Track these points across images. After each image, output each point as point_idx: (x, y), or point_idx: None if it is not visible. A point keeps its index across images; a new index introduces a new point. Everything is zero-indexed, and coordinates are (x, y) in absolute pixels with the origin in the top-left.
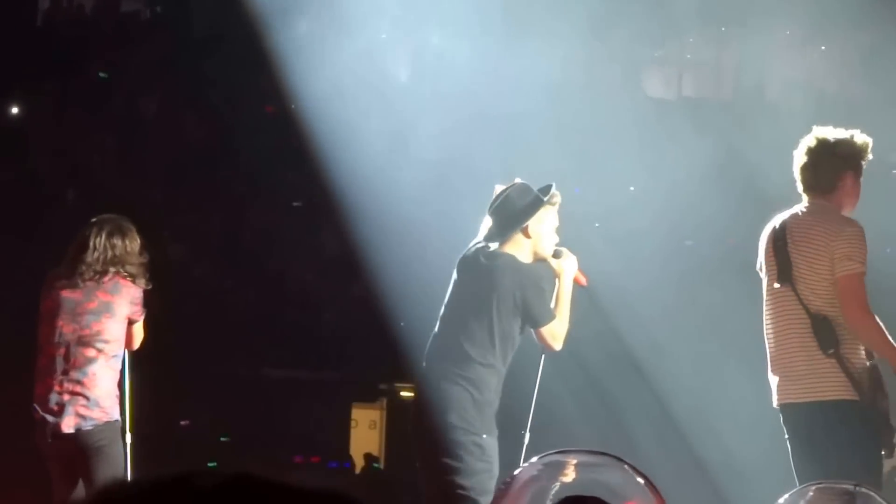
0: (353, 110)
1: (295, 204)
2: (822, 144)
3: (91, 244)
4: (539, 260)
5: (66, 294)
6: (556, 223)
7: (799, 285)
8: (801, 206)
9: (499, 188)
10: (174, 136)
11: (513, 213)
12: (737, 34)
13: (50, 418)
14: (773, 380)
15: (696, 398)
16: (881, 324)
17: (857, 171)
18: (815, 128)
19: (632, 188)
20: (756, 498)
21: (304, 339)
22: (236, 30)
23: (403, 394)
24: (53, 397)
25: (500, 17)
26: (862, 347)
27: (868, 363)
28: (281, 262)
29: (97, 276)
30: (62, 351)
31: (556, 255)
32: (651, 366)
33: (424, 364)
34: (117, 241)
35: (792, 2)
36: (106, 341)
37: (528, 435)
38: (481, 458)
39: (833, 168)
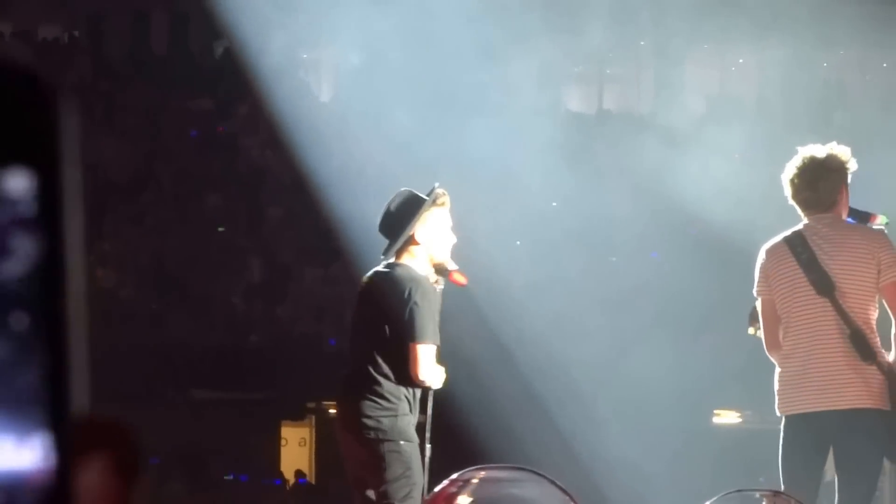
0: (277, 131)
1: (220, 229)
2: (815, 163)
3: None
4: (438, 265)
5: None
6: (450, 223)
7: (841, 299)
8: (808, 222)
9: None
10: (96, 162)
11: (395, 222)
12: (655, 48)
13: None
14: (798, 389)
15: (617, 408)
16: None
17: (847, 181)
18: (799, 148)
19: (554, 203)
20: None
21: (232, 361)
22: (158, 53)
23: (332, 411)
24: None
25: (420, 34)
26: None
27: None
28: (207, 285)
29: None
30: None
31: (441, 271)
32: (570, 379)
33: (342, 377)
34: None
35: (708, 16)
36: None
37: (428, 447)
38: (399, 464)
39: (833, 182)
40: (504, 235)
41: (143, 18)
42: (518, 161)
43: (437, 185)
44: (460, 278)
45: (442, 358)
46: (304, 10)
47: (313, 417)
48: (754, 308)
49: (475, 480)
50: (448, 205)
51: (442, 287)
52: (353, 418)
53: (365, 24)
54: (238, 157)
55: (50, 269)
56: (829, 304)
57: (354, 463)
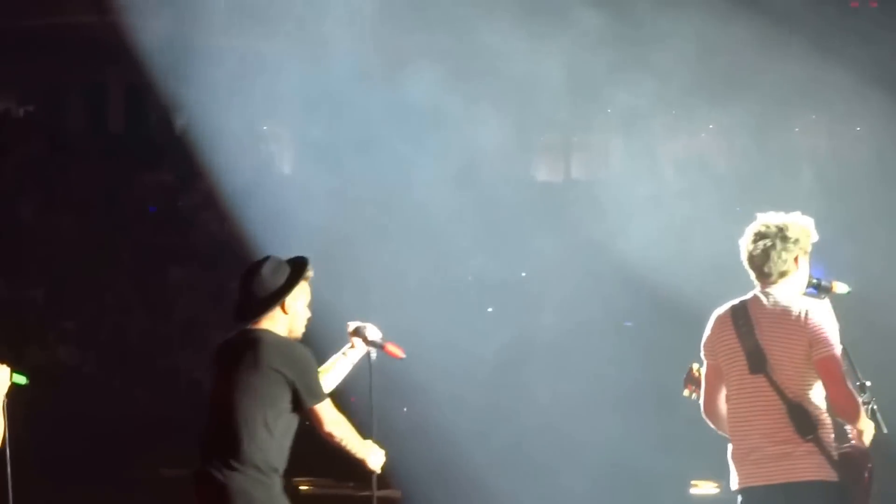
0: (238, 204)
1: (182, 300)
2: (772, 230)
3: None
4: (364, 337)
5: None
6: (308, 298)
7: (774, 373)
8: (757, 292)
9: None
10: (53, 237)
11: (270, 291)
12: (623, 115)
13: None
14: (740, 463)
15: (591, 480)
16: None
17: (807, 253)
18: (758, 215)
19: (523, 274)
20: None
21: (198, 438)
22: (115, 127)
23: (302, 488)
24: None
25: (383, 107)
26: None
27: (851, 443)
28: (171, 359)
29: None
30: None
31: (359, 332)
32: (541, 450)
33: (202, 453)
34: None
35: (676, 82)
36: None
37: None
38: None
39: (787, 253)
40: (474, 303)
41: (99, 92)
42: (486, 230)
43: (307, 258)
44: (396, 351)
45: (406, 432)
46: (261, 82)
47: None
48: (690, 370)
49: None
50: (309, 279)
51: (374, 359)
52: (223, 498)
53: (324, 95)
54: (198, 231)
55: None
56: (765, 379)
57: None
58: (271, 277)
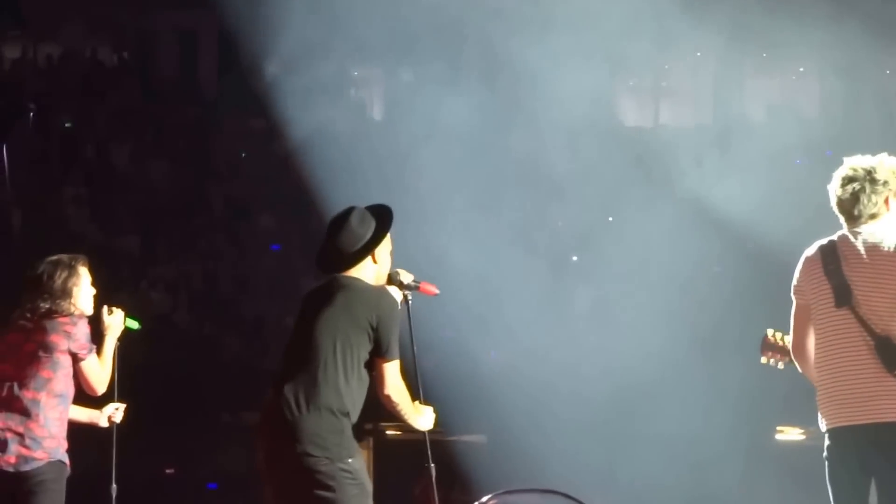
0: (330, 150)
1: (273, 248)
2: (861, 174)
3: (28, 285)
4: (398, 281)
5: (8, 336)
6: (391, 247)
7: (860, 308)
8: (846, 231)
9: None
10: (146, 185)
11: (362, 241)
12: (712, 59)
13: None
14: (828, 402)
15: (677, 426)
16: None
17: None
18: (846, 159)
19: (610, 218)
20: None
21: (273, 376)
22: (206, 74)
23: (389, 433)
24: None
25: (472, 54)
26: None
27: None
28: (259, 306)
29: (33, 316)
30: (5, 392)
31: (393, 279)
32: (626, 395)
33: (275, 393)
34: (54, 279)
35: (767, 25)
36: (46, 380)
37: (432, 466)
38: (351, 482)
39: (877, 195)
40: (560, 250)
41: (191, 39)
42: (574, 174)
43: (391, 209)
44: (431, 288)
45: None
46: (351, 26)
47: (371, 439)
48: (765, 336)
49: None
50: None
51: (410, 301)
52: (295, 438)
53: (413, 39)
54: (289, 178)
55: None
56: (851, 315)
57: (294, 479)
58: (360, 228)
